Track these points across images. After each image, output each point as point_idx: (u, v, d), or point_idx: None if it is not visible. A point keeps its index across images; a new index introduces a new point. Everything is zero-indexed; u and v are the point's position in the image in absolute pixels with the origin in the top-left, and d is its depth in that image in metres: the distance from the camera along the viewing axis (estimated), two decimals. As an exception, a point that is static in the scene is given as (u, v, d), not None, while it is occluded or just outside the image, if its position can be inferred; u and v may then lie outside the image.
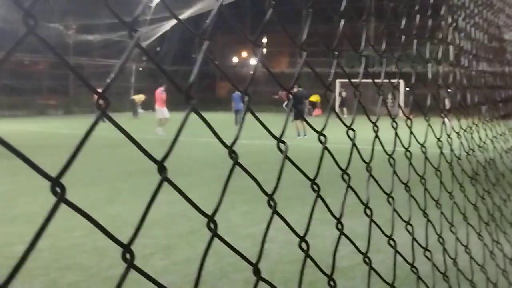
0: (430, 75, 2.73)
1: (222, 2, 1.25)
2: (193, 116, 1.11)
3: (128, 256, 1.01)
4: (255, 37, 1.38)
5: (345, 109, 34.22)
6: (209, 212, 1.15)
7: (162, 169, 1.06)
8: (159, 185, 1.03)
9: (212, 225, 1.18)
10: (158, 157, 1.02)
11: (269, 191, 1.34)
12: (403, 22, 2.32)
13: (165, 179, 1.05)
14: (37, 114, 32.98)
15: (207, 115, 1.17)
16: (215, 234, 1.19)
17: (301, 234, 1.48)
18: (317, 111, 35.11)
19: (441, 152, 2.61)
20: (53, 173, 0.84)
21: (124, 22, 1.00)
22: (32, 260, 0.92)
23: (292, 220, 1.41)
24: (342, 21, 1.78)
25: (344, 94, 35.34)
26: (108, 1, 0.96)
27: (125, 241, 0.92)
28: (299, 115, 17.12)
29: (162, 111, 21.53)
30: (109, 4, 1.01)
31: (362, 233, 1.90)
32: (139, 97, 35.16)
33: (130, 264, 1.00)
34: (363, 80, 1.99)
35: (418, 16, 2.50)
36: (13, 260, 0.74)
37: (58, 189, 0.89)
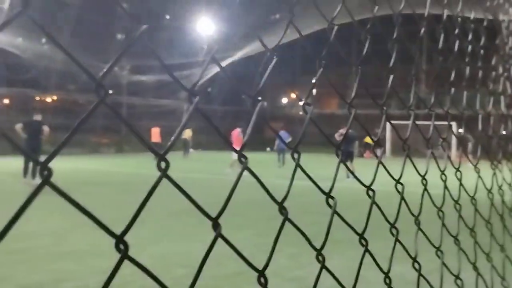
0: (480, 125, 2.68)
1: (274, 56, 1.28)
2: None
3: (262, 280, 1.15)
4: (306, 97, 1.41)
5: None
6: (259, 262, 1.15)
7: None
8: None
9: (262, 280, 1.20)
10: (212, 196, 1.03)
11: (315, 235, 1.32)
12: (453, 74, 2.30)
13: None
14: (91, 152, 33.85)
15: (256, 155, 1.18)
16: (323, 266, 1.23)
17: (351, 280, 1.46)
18: (368, 153, 34.66)
19: (492, 204, 2.53)
20: (112, 215, 0.86)
21: (184, 88, 1.06)
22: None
23: (340, 264, 1.39)
24: (391, 77, 1.79)
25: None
26: (161, 41, 1.00)
27: (174, 280, 0.93)
28: (350, 157, 17.07)
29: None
30: (162, 61, 1.05)
31: (411, 279, 1.85)
32: (187, 132, 35.27)
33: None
34: (418, 122, 1.97)
35: (468, 68, 2.47)
36: None
37: (122, 246, 0.95)
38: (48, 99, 38.52)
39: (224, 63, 31.69)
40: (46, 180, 0.88)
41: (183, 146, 34.85)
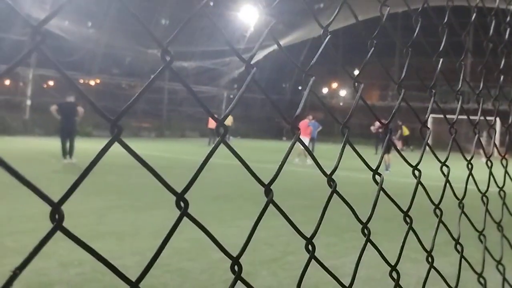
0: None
1: (327, 37, 1.27)
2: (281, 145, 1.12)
3: (236, 268, 1.11)
4: (357, 75, 1.39)
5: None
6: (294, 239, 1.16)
7: (268, 191, 1.12)
8: (265, 207, 1.09)
9: (310, 247, 1.20)
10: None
11: (355, 223, 1.33)
12: (502, 62, 2.25)
13: (271, 201, 1.11)
14: (132, 136, 34.32)
15: (274, 144, 1.19)
16: (312, 256, 1.21)
17: (386, 270, 1.45)
18: (401, 144, 34.15)
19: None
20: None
21: (242, 59, 1.08)
22: (116, 276, 0.95)
23: (376, 255, 1.38)
24: (440, 61, 1.76)
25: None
26: (203, 27, 1.02)
27: (211, 264, 0.95)
28: (390, 149, 17.12)
29: (305, 140, 22.05)
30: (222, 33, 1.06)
31: (448, 273, 1.83)
32: (229, 119, 35.68)
33: (238, 276, 1.11)
34: (459, 117, 1.94)
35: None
36: (104, 275, 0.77)
37: (182, 204, 0.99)
38: (92, 82, 39.18)
39: (266, 51, 31.65)
40: (185, 212, 1.00)
41: (227, 133, 34.96)
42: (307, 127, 22.86)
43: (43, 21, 0.78)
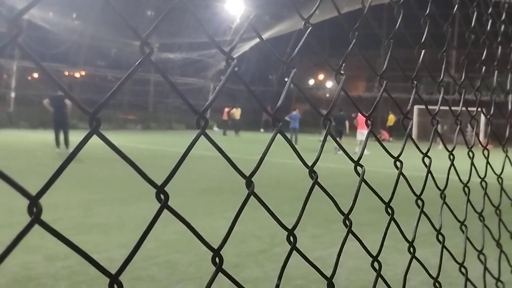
0: (510, 106, 2.64)
1: (308, 29, 1.28)
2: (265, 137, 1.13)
3: (217, 260, 1.12)
4: (338, 66, 1.40)
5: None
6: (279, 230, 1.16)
7: (249, 183, 1.12)
8: (246, 200, 1.09)
9: (291, 239, 1.21)
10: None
11: (340, 214, 1.34)
12: (484, 53, 2.27)
13: (252, 193, 1.11)
14: (118, 128, 34.14)
15: (254, 135, 1.19)
16: (294, 247, 1.21)
17: (372, 259, 1.46)
18: (384, 135, 34.19)
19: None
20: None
21: (223, 51, 1.08)
22: (106, 269, 0.96)
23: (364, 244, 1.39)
24: (422, 52, 1.77)
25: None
26: (189, 19, 1.02)
27: (198, 256, 0.96)
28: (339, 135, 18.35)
29: (363, 133, 23.20)
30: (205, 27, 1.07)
31: (433, 264, 1.85)
32: (237, 112, 35.86)
33: (219, 268, 1.12)
34: (442, 108, 1.95)
35: (500, 48, 2.43)
36: (89, 267, 0.77)
37: (162, 196, 1.01)
38: (77, 74, 38.89)
39: (252, 43, 31.56)
40: (165, 204, 1.01)
41: (233, 126, 35.11)
42: (363, 121, 23.38)
43: (19, 13, 0.78)
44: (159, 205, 1.01)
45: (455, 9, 2.05)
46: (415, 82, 1.76)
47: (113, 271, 0.95)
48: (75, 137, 17.49)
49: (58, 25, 31.13)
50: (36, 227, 0.82)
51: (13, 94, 32.48)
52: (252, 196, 1.14)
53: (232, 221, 1.11)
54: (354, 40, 1.50)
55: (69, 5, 31.92)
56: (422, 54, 1.80)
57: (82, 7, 33.46)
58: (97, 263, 0.91)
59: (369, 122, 1.60)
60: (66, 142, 17.30)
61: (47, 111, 18.14)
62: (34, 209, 0.80)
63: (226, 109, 35.64)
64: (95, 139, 0.91)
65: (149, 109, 40.45)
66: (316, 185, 1.28)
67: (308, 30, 1.30)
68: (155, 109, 40.51)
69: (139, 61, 0.97)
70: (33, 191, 0.81)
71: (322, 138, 1.31)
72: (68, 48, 34.11)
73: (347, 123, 26.12)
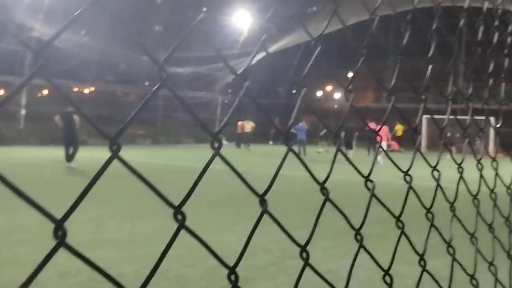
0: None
1: (318, 48, 1.28)
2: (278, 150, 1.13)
3: (233, 277, 1.12)
4: (348, 84, 1.40)
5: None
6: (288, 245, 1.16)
7: (262, 202, 1.13)
8: (260, 218, 1.10)
9: (304, 255, 1.21)
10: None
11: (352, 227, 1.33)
12: (491, 66, 2.26)
13: (265, 211, 1.11)
14: (127, 143, 34.22)
15: (263, 148, 1.20)
16: (307, 263, 1.21)
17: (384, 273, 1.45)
18: (394, 145, 33.93)
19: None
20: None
21: (235, 74, 1.10)
22: (115, 286, 0.96)
23: (374, 257, 1.39)
24: (430, 67, 1.78)
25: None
26: (198, 33, 1.03)
27: (208, 270, 0.97)
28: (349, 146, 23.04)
29: (384, 145, 23.87)
30: (215, 46, 1.09)
31: (445, 274, 1.84)
32: (249, 126, 35.83)
33: (235, 286, 1.12)
34: (451, 117, 1.95)
35: (506, 60, 2.43)
36: (101, 283, 0.78)
37: (179, 216, 1.03)
38: (86, 90, 39.10)
39: (260, 56, 31.58)
40: (182, 224, 1.04)
41: (245, 139, 35.14)
42: (387, 133, 25.24)
43: (46, 44, 0.79)
44: (170, 220, 1.02)
45: (461, 23, 2.05)
46: (424, 96, 1.77)
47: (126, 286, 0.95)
48: (85, 153, 17.66)
49: (67, 41, 31.36)
50: (46, 242, 0.83)
51: (23, 111, 32.69)
52: (260, 209, 1.15)
53: (247, 239, 1.12)
54: (362, 58, 1.50)
55: (78, 21, 32.08)
56: (429, 69, 1.80)
57: (91, 23, 33.73)
58: (118, 282, 0.92)
59: (379, 137, 1.60)
60: (72, 157, 17.68)
61: (58, 127, 18.76)
62: (60, 232, 0.81)
63: (239, 123, 35.75)
64: (103, 154, 0.92)
65: (158, 123, 40.53)
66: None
67: (318, 49, 1.31)
68: (164, 123, 40.59)
69: (156, 86, 0.98)
70: (47, 209, 0.82)
71: (320, 150, 1.31)
72: (77, 64, 34.34)
73: (356, 134, 26.21)
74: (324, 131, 30.48)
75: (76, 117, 17.79)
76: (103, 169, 0.88)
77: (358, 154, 23.62)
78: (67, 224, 0.86)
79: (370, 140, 29.04)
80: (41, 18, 28.11)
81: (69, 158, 17.70)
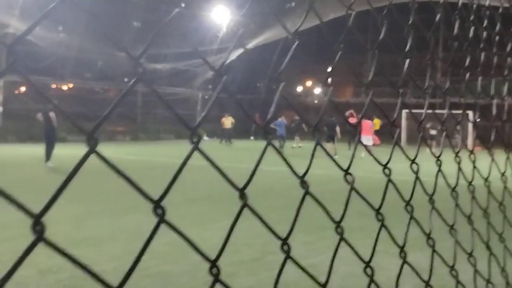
0: (494, 111, 2.67)
1: (296, 43, 1.29)
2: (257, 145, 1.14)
3: (214, 271, 1.14)
4: (325, 78, 1.41)
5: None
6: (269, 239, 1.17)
7: (242, 195, 1.12)
8: (240, 211, 1.10)
9: (286, 248, 1.22)
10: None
11: (330, 221, 1.35)
12: (468, 61, 2.29)
13: (245, 205, 1.12)
14: (106, 140, 33.97)
15: (244, 143, 1.20)
16: (288, 256, 1.22)
17: (364, 265, 1.47)
18: (375, 139, 34.03)
19: (505, 187, 2.53)
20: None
21: (213, 69, 1.10)
22: (97, 282, 0.96)
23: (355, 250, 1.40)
24: (407, 61, 1.79)
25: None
26: (176, 29, 1.03)
27: (191, 266, 0.97)
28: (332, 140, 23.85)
29: (368, 139, 24.10)
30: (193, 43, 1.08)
31: (426, 267, 1.87)
32: (228, 121, 35.52)
33: (216, 278, 1.13)
34: (429, 111, 1.97)
35: (483, 54, 2.46)
36: (82, 280, 0.78)
37: (159, 211, 1.03)
38: (64, 87, 38.71)
39: (239, 52, 31.57)
40: (162, 218, 1.04)
41: (226, 135, 34.90)
42: (370, 128, 25.25)
43: (18, 39, 0.79)
44: (150, 216, 1.02)
45: (437, 17, 2.07)
46: (401, 90, 1.79)
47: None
48: (65, 150, 17.49)
49: (44, 39, 30.99)
50: (26, 240, 0.82)
51: (0, 109, 32.28)
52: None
53: (228, 233, 1.12)
54: (340, 52, 1.51)
55: (55, 18, 31.82)
56: (406, 63, 1.82)
57: (67, 20, 33.38)
58: (100, 278, 0.92)
59: (359, 129, 1.61)
60: (48, 156, 17.47)
61: (38, 124, 18.88)
62: (38, 227, 0.81)
63: (223, 118, 35.50)
64: (82, 151, 0.92)
65: (138, 120, 40.30)
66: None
67: (295, 44, 1.31)
68: (144, 119, 40.37)
69: (132, 81, 0.98)
70: (27, 206, 0.81)
71: (295, 145, 1.32)
72: (55, 61, 33.96)
73: (338, 128, 26.36)
74: (293, 124, 30.71)
75: (52, 114, 17.66)
76: (81, 163, 0.87)
77: (338, 148, 23.73)
78: (47, 223, 0.85)
79: (350, 134, 29.25)
80: (16, 14, 27.73)
81: (46, 156, 17.55)
